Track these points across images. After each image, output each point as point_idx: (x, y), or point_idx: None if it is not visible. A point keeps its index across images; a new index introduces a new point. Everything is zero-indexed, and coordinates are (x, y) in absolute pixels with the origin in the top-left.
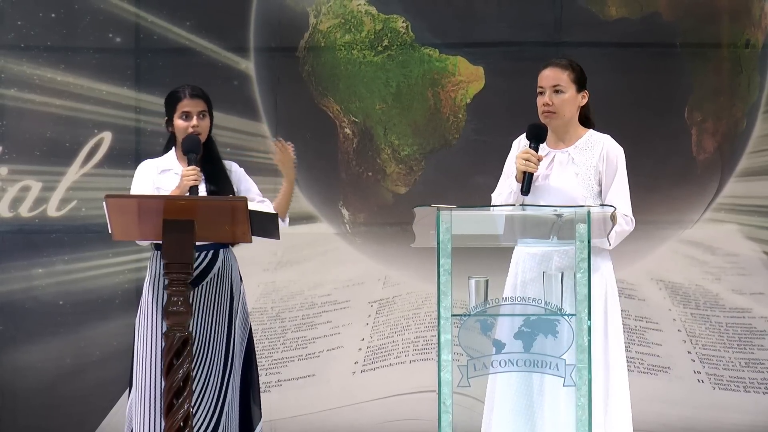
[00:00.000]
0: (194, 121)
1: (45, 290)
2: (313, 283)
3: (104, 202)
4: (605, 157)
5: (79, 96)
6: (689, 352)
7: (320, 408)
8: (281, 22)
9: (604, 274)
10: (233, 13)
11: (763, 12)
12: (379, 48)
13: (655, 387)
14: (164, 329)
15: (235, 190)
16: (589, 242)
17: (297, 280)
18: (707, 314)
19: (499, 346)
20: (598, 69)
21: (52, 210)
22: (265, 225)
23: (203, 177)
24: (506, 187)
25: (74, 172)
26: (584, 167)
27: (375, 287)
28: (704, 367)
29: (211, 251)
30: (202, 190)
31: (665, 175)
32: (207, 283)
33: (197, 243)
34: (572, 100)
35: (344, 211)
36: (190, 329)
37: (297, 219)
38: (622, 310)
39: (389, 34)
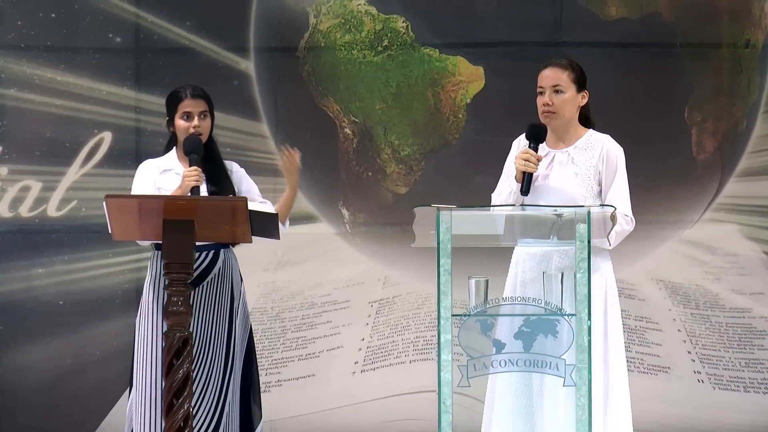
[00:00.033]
0: (195, 122)
1: (45, 290)
2: (313, 283)
3: (104, 202)
4: (605, 157)
5: (79, 96)
6: (689, 352)
7: (320, 408)
8: (281, 22)
9: (603, 273)
10: (233, 13)
11: (763, 12)
12: (379, 48)
13: (655, 387)
14: (164, 329)
15: (236, 190)
16: (589, 242)
17: (297, 280)
18: (707, 314)
19: (499, 346)
20: (598, 69)
21: (52, 210)
22: (265, 225)
23: (204, 178)
24: (506, 187)
25: (74, 172)
26: (584, 167)
27: (375, 287)
28: (704, 367)
29: (212, 251)
30: (204, 191)
31: (665, 175)
32: (208, 283)
33: (198, 243)
34: (572, 100)
35: (344, 211)
36: (191, 329)
37: (297, 219)
38: (622, 310)
39: (389, 34)
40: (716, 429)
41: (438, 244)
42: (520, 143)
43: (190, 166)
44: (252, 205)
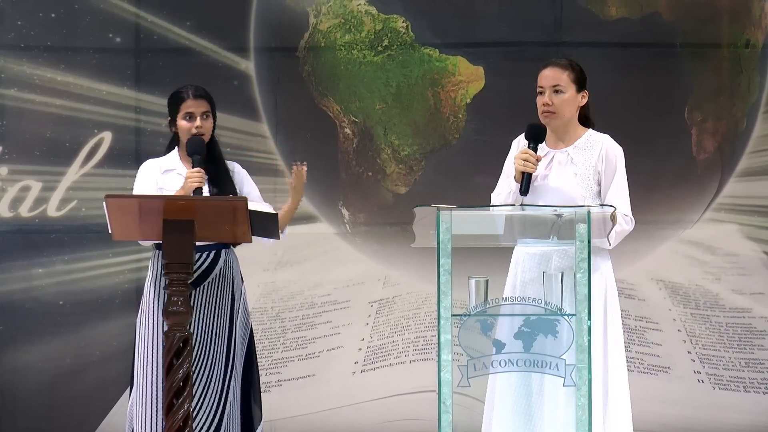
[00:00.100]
0: (198, 122)
1: (45, 290)
2: (313, 283)
3: (104, 202)
4: (604, 157)
5: (79, 96)
6: (689, 352)
7: (320, 408)
8: (281, 22)
9: (603, 273)
10: (233, 13)
11: (763, 12)
12: (379, 48)
13: (655, 387)
14: (165, 329)
15: (238, 191)
16: (589, 242)
17: (297, 280)
18: (707, 314)
19: (499, 346)
20: (598, 69)
21: (52, 210)
22: (265, 225)
23: (206, 179)
24: (505, 187)
25: (74, 172)
26: (583, 167)
27: (375, 287)
28: (704, 367)
29: (213, 251)
30: (206, 192)
31: (665, 175)
32: (209, 283)
33: (199, 243)
34: (572, 100)
35: (344, 211)
36: (191, 329)
37: (297, 219)
38: (622, 310)
39: (389, 34)
40: (716, 429)
41: (438, 244)
42: (520, 143)
43: (193, 166)
44: (252, 205)
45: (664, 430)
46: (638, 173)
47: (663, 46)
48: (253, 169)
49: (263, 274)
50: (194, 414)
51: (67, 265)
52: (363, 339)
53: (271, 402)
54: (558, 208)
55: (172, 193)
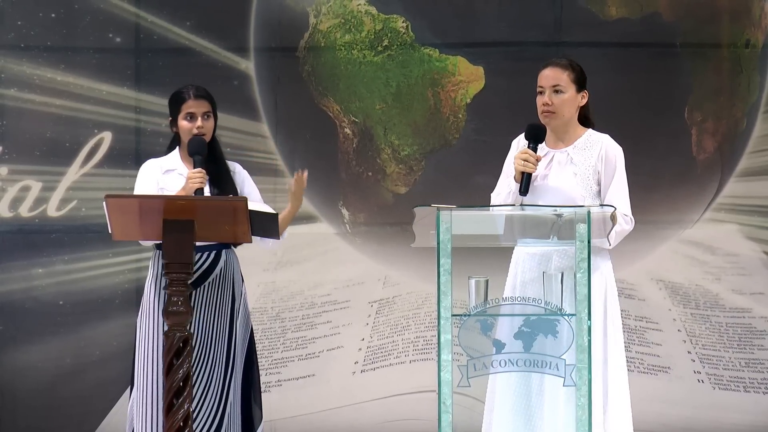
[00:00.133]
0: (199, 122)
1: (45, 290)
2: (313, 283)
3: (104, 202)
4: (604, 156)
5: (79, 96)
6: (689, 352)
7: (320, 408)
8: (281, 22)
9: (603, 273)
10: (233, 13)
11: (763, 12)
12: (379, 48)
13: (655, 387)
14: (165, 329)
15: (238, 191)
16: (589, 242)
17: (297, 280)
18: (707, 314)
19: (499, 346)
20: (598, 69)
21: (52, 210)
22: (265, 225)
23: (208, 179)
24: (505, 187)
25: (74, 172)
26: (583, 167)
27: (375, 287)
28: (704, 367)
29: (214, 252)
30: (207, 192)
31: (665, 175)
32: (209, 283)
33: (199, 243)
34: (572, 100)
35: (344, 211)
36: (192, 329)
37: (297, 219)
38: (622, 310)
39: (389, 34)
40: (716, 429)
41: (438, 244)
42: (519, 143)
43: (195, 167)
44: (252, 205)
45: (664, 430)
46: (638, 173)
47: (663, 46)
48: (253, 169)
49: (263, 274)
50: (195, 414)
51: (67, 265)
52: (363, 339)
53: (271, 402)
54: (558, 208)
55: (173, 194)
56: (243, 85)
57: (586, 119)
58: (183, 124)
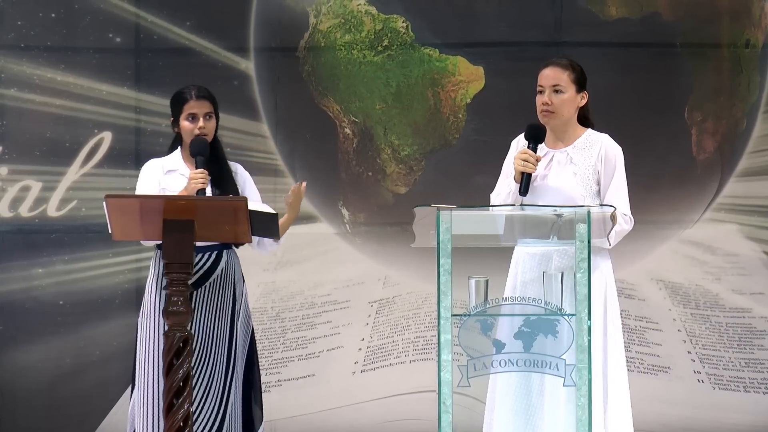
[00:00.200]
0: (201, 123)
1: (45, 290)
2: (313, 283)
3: (104, 202)
4: (603, 156)
5: (79, 96)
6: (689, 352)
7: (320, 408)
8: (281, 22)
9: (603, 272)
10: (233, 13)
11: (763, 12)
12: (379, 48)
13: (655, 387)
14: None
15: (240, 192)
16: (589, 242)
17: (297, 280)
18: (707, 314)
19: (499, 346)
20: (598, 69)
21: (52, 210)
22: (266, 225)
23: (210, 179)
24: (504, 187)
25: (74, 172)
26: (583, 167)
27: (375, 287)
28: (704, 367)
29: (215, 252)
30: (208, 193)
31: (665, 175)
32: (210, 284)
33: (201, 244)
34: (571, 100)
35: (344, 211)
36: (192, 330)
37: (297, 219)
38: (622, 310)
39: (389, 34)
40: (716, 429)
41: (438, 244)
42: (519, 143)
43: (197, 167)
44: (252, 205)
45: (664, 430)
46: (638, 173)
47: (663, 46)
48: (253, 169)
49: (263, 274)
50: (196, 415)
51: (67, 265)
52: (363, 339)
53: (271, 402)
54: (558, 208)
55: (175, 194)
56: (243, 85)
57: (585, 119)
58: (185, 124)
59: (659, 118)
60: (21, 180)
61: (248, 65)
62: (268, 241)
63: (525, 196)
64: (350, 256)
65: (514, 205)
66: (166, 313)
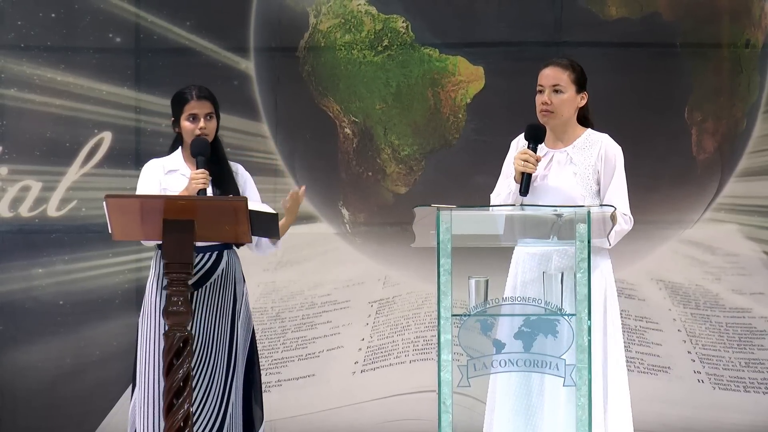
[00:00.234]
0: (201, 123)
1: (45, 290)
2: (313, 283)
3: (104, 202)
4: (603, 156)
5: (79, 96)
6: (689, 352)
7: (320, 408)
8: (281, 22)
9: (603, 271)
10: (233, 13)
11: (763, 12)
12: (379, 48)
13: (655, 387)
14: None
15: (240, 192)
16: (589, 242)
17: (297, 280)
18: (707, 314)
19: (499, 346)
20: (598, 69)
21: (52, 210)
22: (266, 225)
23: (210, 180)
24: (504, 187)
25: (74, 172)
26: (582, 167)
27: (375, 287)
28: (704, 367)
29: (215, 252)
30: (209, 193)
31: (665, 175)
32: (211, 284)
33: (201, 244)
34: (571, 100)
35: (344, 211)
36: (193, 330)
37: (297, 219)
38: (622, 310)
39: (389, 34)
40: (716, 429)
41: (438, 244)
42: (519, 144)
43: (197, 167)
44: (252, 205)
45: (664, 430)
46: (638, 173)
47: (663, 46)
48: (253, 169)
49: (263, 274)
50: (196, 416)
51: (67, 265)
52: (363, 339)
53: (271, 402)
54: (558, 208)
55: (175, 194)
56: (243, 85)
57: (585, 119)
58: (185, 124)
59: (659, 118)
60: (21, 180)
61: (248, 65)
62: (266, 244)
63: (525, 196)
64: (350, 256)
65: (514, 205)
66: (166, 313)
